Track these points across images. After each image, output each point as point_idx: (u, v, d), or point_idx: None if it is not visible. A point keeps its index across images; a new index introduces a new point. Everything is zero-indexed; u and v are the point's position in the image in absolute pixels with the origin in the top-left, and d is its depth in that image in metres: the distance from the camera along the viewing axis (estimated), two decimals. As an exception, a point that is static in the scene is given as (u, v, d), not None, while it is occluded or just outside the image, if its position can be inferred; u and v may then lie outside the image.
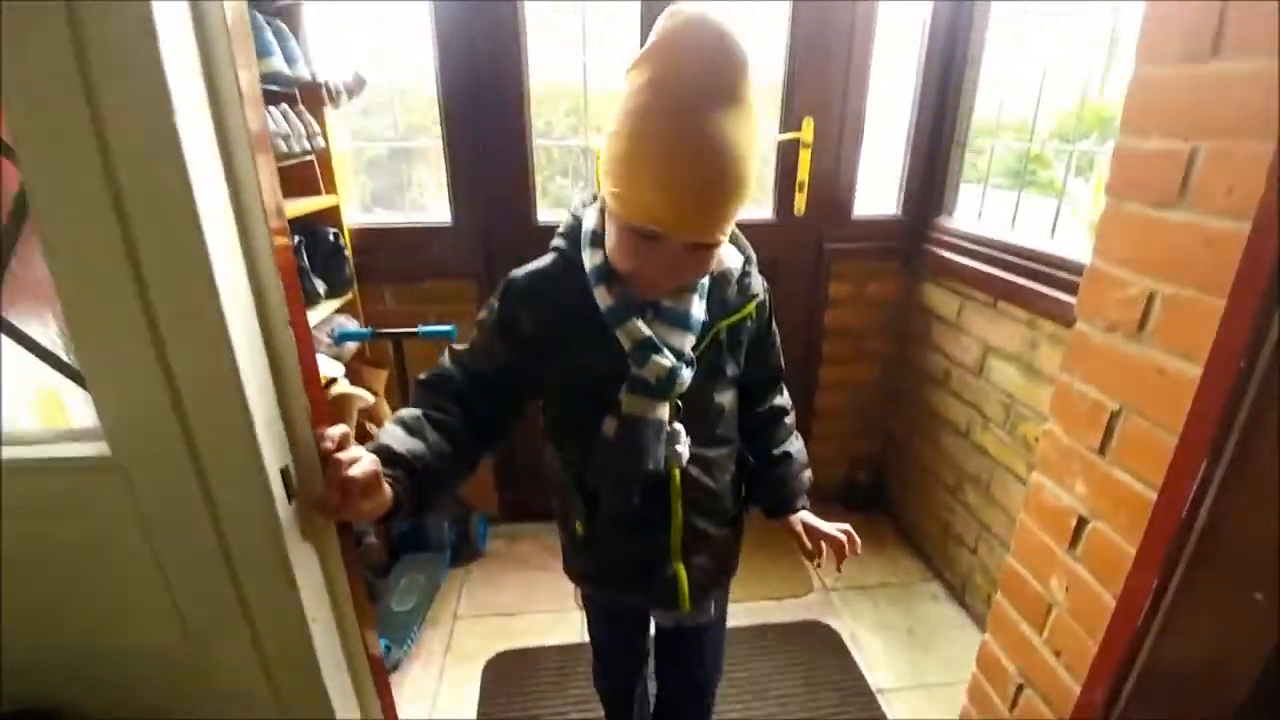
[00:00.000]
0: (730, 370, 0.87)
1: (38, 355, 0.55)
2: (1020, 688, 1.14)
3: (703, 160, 0.62)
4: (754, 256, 0.87)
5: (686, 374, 0.76)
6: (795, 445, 1.00)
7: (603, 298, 0.75)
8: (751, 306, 0.85)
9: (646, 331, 0.74)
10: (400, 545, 1.94)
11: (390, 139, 1.99)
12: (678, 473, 0.84)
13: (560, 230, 0.81)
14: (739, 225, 0.79)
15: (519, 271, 0.81)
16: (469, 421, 0.78)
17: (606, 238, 0.74)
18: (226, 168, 0.52)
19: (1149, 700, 0.85)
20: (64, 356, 0.56)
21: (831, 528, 0.92)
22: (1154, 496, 0.84)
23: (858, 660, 1.60)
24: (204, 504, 0.56)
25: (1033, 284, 1.45)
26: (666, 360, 0.74)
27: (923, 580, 1.92)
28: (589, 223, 0.78)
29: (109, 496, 0.56)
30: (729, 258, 0.85)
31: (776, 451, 0.98)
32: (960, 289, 1.76)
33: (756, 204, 1.92)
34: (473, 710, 1.48)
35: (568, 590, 1.82)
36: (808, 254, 1.94)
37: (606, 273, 0.75)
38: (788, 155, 1.84)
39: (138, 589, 0.62)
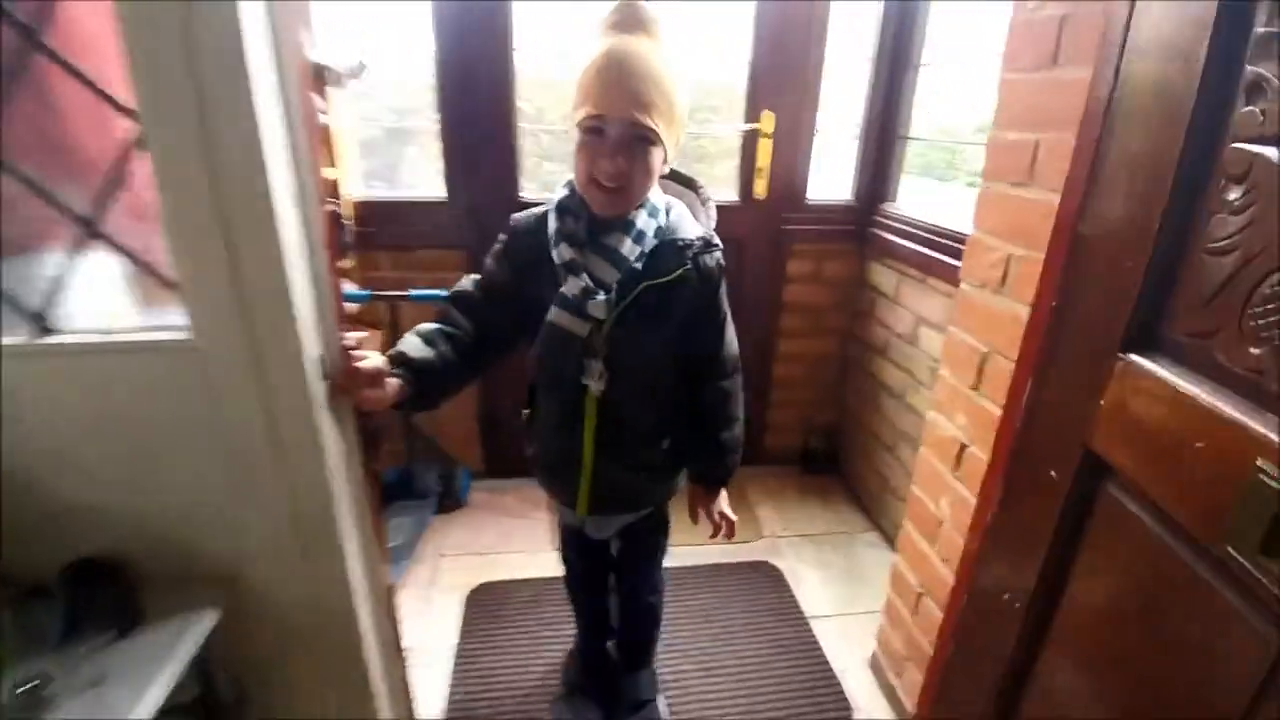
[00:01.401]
0: (663, 331, 0.96)
1: (139, 266, 0.73)
2: (920, 595, 1.36)
3: (625, 58, 0.81)
4: (718, 243, 0.97)
5: (600, 298, 0.89)
6: (728, 434, 1.08)
7: (553, 223, 0.93)
8: (685, 273, 0.93)
9: (571, 255, 0.90)
10: (389, 493, 2.13)
11: (386, 121, 2.16)
12: (594, 402, 0.98)
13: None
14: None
15: (519, 214, 1.01)
16: (478, 334, 0.97)
17: (574, 167, 0.90)
18: (289, 135, 0.71)
19: (994, 561, 1.07)
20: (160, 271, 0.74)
21: (717, 512, 1.11)
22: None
23: (796, 593, 1.82)
24: (257, 379, 0.75)
25: (954, 260, 1.65)
26: (583, 280, 0.89)
27: (863, 530, 2.13)
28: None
29: (188, 373, 0.75)
30: (687, 228, 0.96)
31: (710, 435, 1.08)
32: (898, 267, 1.97)
33: (726, 184, 2.13)
34: (456, 629, 1.68)
35: (543, 535, 2.02)
36: (769, 233, 2.15)
37: (563, 205, 0.93)
38: (749, 144, 2.04)
39: (198, 455, 0.81)
